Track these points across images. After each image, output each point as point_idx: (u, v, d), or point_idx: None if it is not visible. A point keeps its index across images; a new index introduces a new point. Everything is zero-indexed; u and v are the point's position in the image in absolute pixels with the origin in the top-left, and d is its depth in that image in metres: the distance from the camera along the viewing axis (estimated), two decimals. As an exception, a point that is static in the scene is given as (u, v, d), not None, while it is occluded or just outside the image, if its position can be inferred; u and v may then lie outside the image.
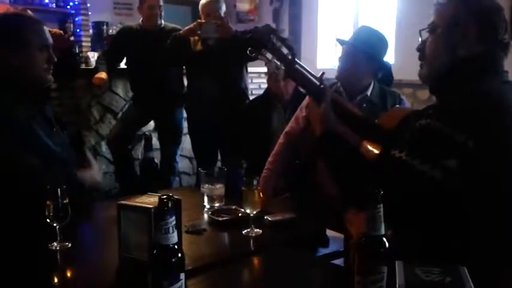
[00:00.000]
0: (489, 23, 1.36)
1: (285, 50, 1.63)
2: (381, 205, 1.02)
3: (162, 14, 3.82)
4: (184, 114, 3.97)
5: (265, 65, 1.70)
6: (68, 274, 1.40)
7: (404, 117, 1.48)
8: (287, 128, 2.39)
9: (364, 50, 2.18)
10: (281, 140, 2.37)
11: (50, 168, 1.75)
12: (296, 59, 1.63)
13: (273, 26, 5.95)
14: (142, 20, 3.86)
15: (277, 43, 1.63)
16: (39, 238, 1.51)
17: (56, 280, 1.36)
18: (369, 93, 2.26)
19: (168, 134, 4.00)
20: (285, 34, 5.76)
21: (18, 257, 1.43)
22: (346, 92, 2.25)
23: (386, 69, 2.33)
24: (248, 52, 1.66)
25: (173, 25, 3.82)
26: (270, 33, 1.63)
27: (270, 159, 2.34)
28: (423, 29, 1.45)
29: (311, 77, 1.65)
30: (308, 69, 1.67)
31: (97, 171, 2.12)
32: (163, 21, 3.84)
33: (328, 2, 5.72)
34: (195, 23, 3.48)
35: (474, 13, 1.36)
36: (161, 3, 3.79)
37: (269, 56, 1.63)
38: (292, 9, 5.77)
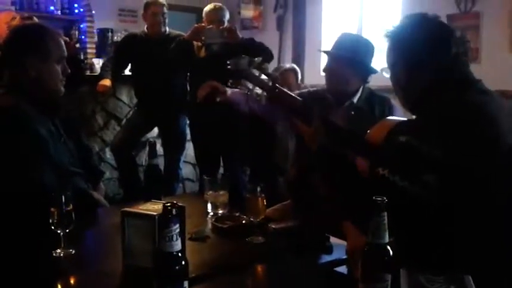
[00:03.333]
0: (436, 45, 1.40)
1: (265, 78, 1.66)
2: (385, 213, 1.02)
3: (167, 21, 3.84)
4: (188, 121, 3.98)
5: (247, 94, 1.74)
6: (72, 281, 1.40)
7: (389, 131, 1.49)
8: None
9: (347, 56, 2.16)
10: None
11: (61, 182, 1.76)
12: (277, 85, 1.66)
13: (277, 33, 5.98)
14: (146, 27, 3.88)
15: (256, 72, 1.67)
16: (43, 245, 1.51)
17: (59, 287, 1.36)
18: (355, 100, 2.21)
19: (172, 141, 4.01)
20: (288, 41, 5.77)
21: (22, 264, 1.43)
22: (335, 99, 2.23)
23: (372, 73, 2.28)
24: (229, 84, 1.71)
25: (178, 32, 3.84)
26: (248, 64, 1.66)
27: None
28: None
29: (294, 100, 1.68)
30: (290, 93, 1.70)
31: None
32: (168, 28, 3.85)
33: (332, 9, 5.74)
34: (197, 25, 3.49)
35: (407, 49, 1.43)
36: (165, 10, 3.81)
37: (250, 85, 1.67)
38: (296, 16, 5.78)
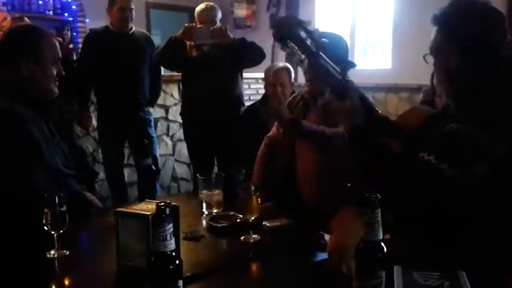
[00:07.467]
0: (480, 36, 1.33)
1: (310, 42, 1.59)
2: (379, 210, 1.02)
3: (133, 17, 3.67)
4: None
5: (288, 55, 1.67)
6: (66, 282, 1.40)
7: (427, 117, 1.44)
8: (270, 133, 2.47)
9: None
10: (263, 144, 2.46)
11: (54, 183, 1.75)
12: (321, 53, 1.59)
13: (270, 32, 5.97)
14: (111, 22, 3.68)
15: (303, 35, 1.59)
16: (37, 246, 1.50)
17: (54, 288, 1.35)
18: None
19: (140, 144, 3.76)
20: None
21: (16, 265, 1.42)
22: (314, 100, 2.23)
23: (353, 67, 2.26)
24: (272, 42, 1.64)
25: (143, 30, 3.68)
26: (297, 25, 1.60)
27: (255, 166, 2.41)
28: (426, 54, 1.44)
29: (334, 72, 1.61)
30: (333, 64, 1.62)
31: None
32: (133, 26, 3.71)
33: (325, 8, 5.74)
34: (187, 25, 3.45)
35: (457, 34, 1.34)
36: (132, 6, 3.64)
37: (294, 47, 1.60)
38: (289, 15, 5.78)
